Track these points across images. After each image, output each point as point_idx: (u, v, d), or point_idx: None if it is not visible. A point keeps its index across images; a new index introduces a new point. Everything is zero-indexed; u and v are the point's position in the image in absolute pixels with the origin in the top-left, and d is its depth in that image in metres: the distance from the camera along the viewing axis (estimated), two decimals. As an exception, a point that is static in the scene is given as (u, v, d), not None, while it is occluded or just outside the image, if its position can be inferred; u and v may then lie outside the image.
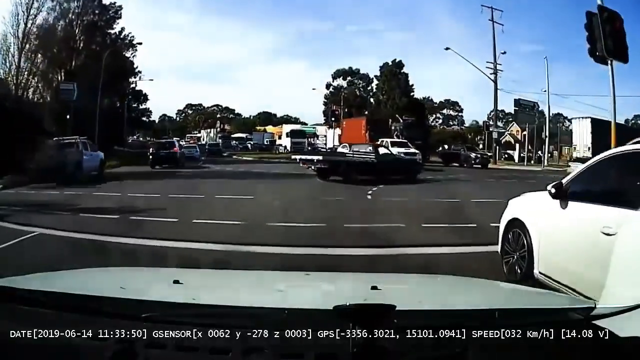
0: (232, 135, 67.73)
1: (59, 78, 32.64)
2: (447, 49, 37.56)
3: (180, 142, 34.17)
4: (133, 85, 46.27)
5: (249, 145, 56.52)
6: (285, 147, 45.55)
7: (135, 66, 44.09)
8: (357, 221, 8.33)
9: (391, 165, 17.12)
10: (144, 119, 57.66)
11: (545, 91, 35.24)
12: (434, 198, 12.12)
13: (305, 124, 67.66)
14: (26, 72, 30.73)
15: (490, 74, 37.43)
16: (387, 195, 12.33)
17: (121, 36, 40.99)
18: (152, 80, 66.45)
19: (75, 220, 8.22)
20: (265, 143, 56.44)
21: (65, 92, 27.54)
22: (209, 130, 77.39)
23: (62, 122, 24.74)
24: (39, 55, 31.59)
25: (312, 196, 11.94)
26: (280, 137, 57.97)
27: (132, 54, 42.74)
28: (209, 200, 10.89)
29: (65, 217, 8.47)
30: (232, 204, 10.30)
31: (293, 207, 9.82)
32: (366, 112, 50.63)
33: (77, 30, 35.24)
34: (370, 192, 12.87)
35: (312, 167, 16.85)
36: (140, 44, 42.44)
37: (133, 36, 41.99)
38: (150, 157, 24.13)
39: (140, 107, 53.29)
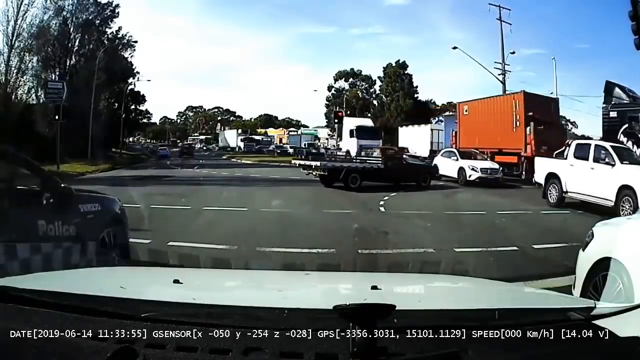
0: (255, 137, 59.00)
1: (53, 77, 32.10)
2: (454, 48, 33.77)
3: None
4: (131, 86, 46.16)
5: (288, 148, 46.45)
6: (347, 152, 29.07)
7: (133, 67, 43.99)
8: (373, 244, 7.17)
9: (401, 171, 16.49)
10: (144, 120, 57.51)
11: (551, 93, 34.07)
12: (456, 210, 11.37)
13: (307, 127, 66.31)
14: (15, 71, 30.19)
15: (499, 74, 34.46)
16: (403, 207, 11.46)
17: (118, 36, 40.85)
18: (149, 81, 66.07)
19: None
20: (303, 146, 45.09)
21: (53, 91, 25.66)
22: (221, 130, 70.70)
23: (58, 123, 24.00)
24: (31, 54, 31.11)
25: (315, 208, 10.86)
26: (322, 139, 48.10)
27: (130, 54, 42.61)
28: (194, 214, 9.73)
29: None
30: (221, 219, 9.26)
31: (293, 224, 8.71)
32: (369, 115, 49.04)
33: (71, 29, 34.95)
34: (382, 202, 12.01)
35: (314, 174, 16.12)
36: (137, 42, 42.33)
37: (131, 36, 41.88)
38: None
39: (139, 108, 53.17)
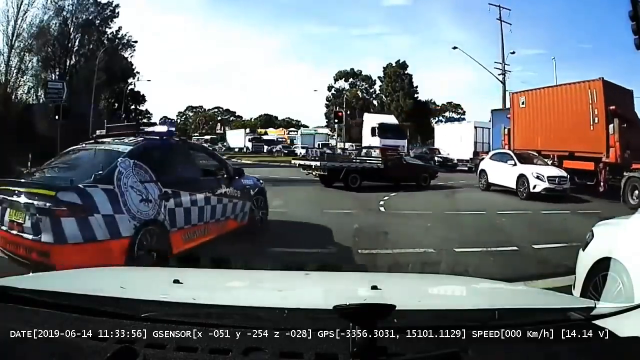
0: (263, 137, 55.19)
1: (53, 77, 32.09)
2: (454, 48, 33.84)
3: None
4: (131, 86, 46.12)
5: (299, 148, 40.13)
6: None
7: (133, 67, 43.97)
8: (373, 243, 7.14)
9: (401, 171, 16.30)
10: (144, 120, 57.35)
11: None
12: (456, 210, 11.30)
13: (307, 127, 65.82)
14: (15, 71, 30.17)
15: (499, 74, 34.64)
16: (403, 207, 11.43)
17: (118, 36, 40.86)
18: (149, 81, 65.55)
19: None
20: (317, 146, 39.49)
21: (53, 91, 25.37)
22: (222, 129, 68.22)
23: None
24: (31, 54, 31.15)
25: (315, 208, 10.74)
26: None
27: (130, 54, 42.62)
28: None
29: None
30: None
31: (293, 224, 8.67)
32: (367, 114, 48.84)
33: (71, 29, 34.97)
34: (382, 202, 12.00)
35: (313, 174, 16.00)
36: (137, 42, 42.32)
37: (131, 36, 41.88)
38: None
39: (139, 108, 53.07)
